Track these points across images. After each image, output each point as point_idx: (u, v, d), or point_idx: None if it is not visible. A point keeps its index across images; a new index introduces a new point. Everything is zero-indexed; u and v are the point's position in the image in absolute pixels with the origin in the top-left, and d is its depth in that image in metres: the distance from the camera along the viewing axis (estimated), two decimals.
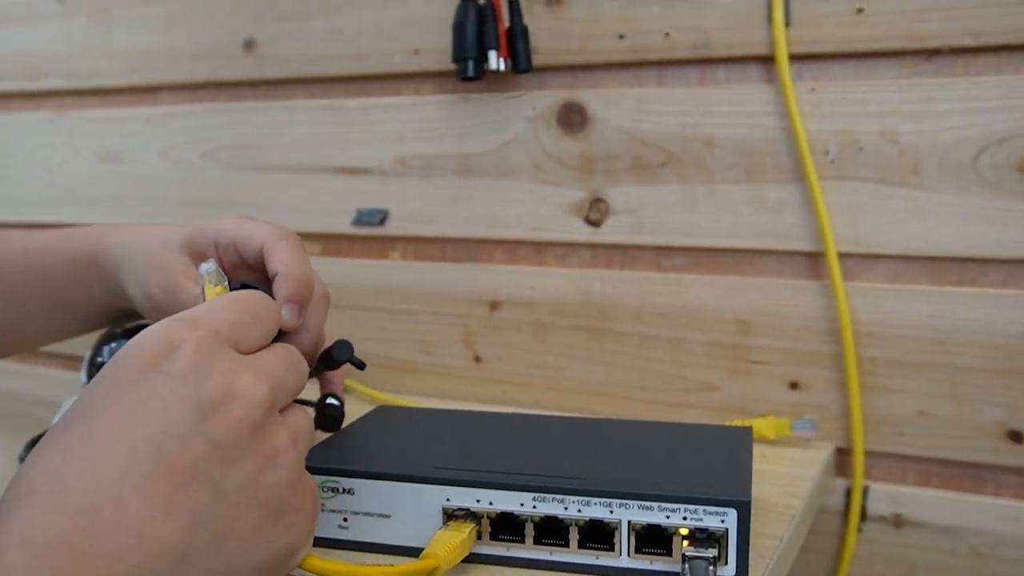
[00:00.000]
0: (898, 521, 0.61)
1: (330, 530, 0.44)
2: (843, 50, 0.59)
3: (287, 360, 0.37)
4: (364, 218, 0.76)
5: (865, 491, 0.61)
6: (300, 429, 0.36)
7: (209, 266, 0.41)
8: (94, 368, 0.59)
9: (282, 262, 0.47)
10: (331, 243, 0.78)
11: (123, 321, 0.61)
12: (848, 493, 0.62)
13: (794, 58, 0.60)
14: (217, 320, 0.35)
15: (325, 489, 0.44)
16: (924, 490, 0.61)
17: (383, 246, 0.76)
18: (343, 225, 0.77)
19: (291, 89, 0.78)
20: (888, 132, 0.58)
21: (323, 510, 0.44)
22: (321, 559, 0.38)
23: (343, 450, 0.48)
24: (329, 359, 0.48)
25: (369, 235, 0.76)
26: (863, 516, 0.62)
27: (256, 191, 0.80)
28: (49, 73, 0.89)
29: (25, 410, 0.90)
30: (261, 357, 0.36)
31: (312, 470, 0.43)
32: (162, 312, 0.50)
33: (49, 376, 0.94)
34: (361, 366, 0.50)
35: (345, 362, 0.48)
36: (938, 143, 0.57)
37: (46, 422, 0.63)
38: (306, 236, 0.79)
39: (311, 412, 0.36)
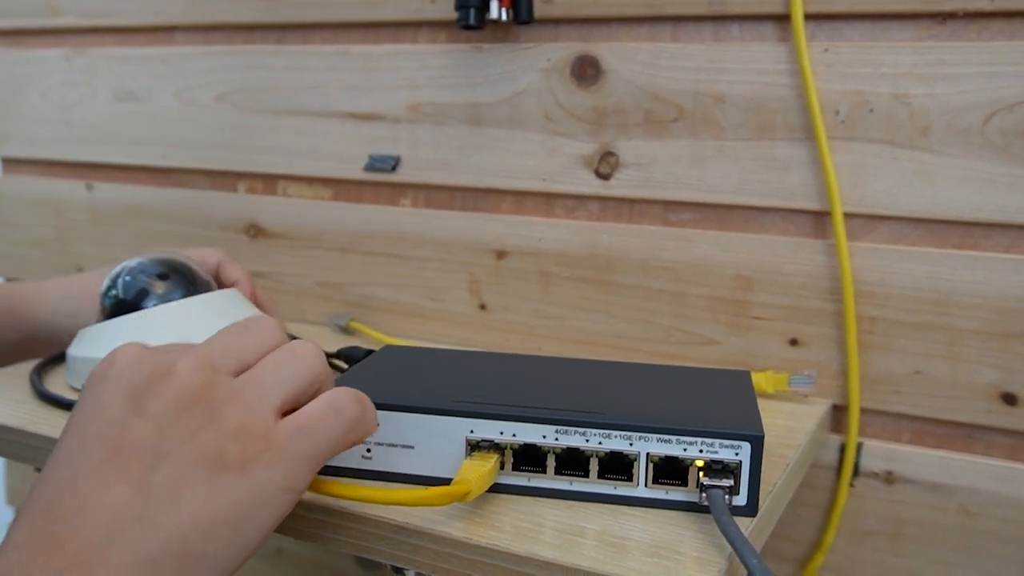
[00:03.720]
0: (890, 478, 0.62)
1: (354, 460, 0.46)
2: (858, 11, 0.59)
3: (229, 333, 0.40)
4: (376, 164, 0.76)
5: (859, 447, 0.63)
6: (263, 382, 0.38)
7: None
8: (107, 300, 0.60)
9: (234, 276, 0.66)
10: (343, 188, 0.79)
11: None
12: (842, 449, 0.63)
13: (809, 17, 0.60)
14: (206, 345, 0.39)
15: None
16: (917, 448, 0.62)
17: (394, 192, 0.77)
18: (355, 171, 0.77)
19: (307, 33, 0.79)
20: (899, 94, 0.59)
21: None
22: (355, 486, 0.40)
23: (364, 383, 0.49)
24: None
25: (380, 181, 0.77)
26: (856, 472, 0.63)
27: (269, 135, 0.81)
28: (67, 10, 0.90)
29: None
30: (193, 346, 0.39)
31: None
32: None
33: None
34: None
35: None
36: (948, 106, 0.58)
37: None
38: (318, 181, 0.80)
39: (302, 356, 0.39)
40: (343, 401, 0.39)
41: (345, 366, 0.62)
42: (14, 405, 0.56)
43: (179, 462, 0.34)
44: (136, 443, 0.34)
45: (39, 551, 0.32)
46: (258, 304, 0.66)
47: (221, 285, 0.66)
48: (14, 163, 0.98)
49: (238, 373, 0.38)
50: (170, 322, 0.57)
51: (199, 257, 0.65)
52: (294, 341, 0.41)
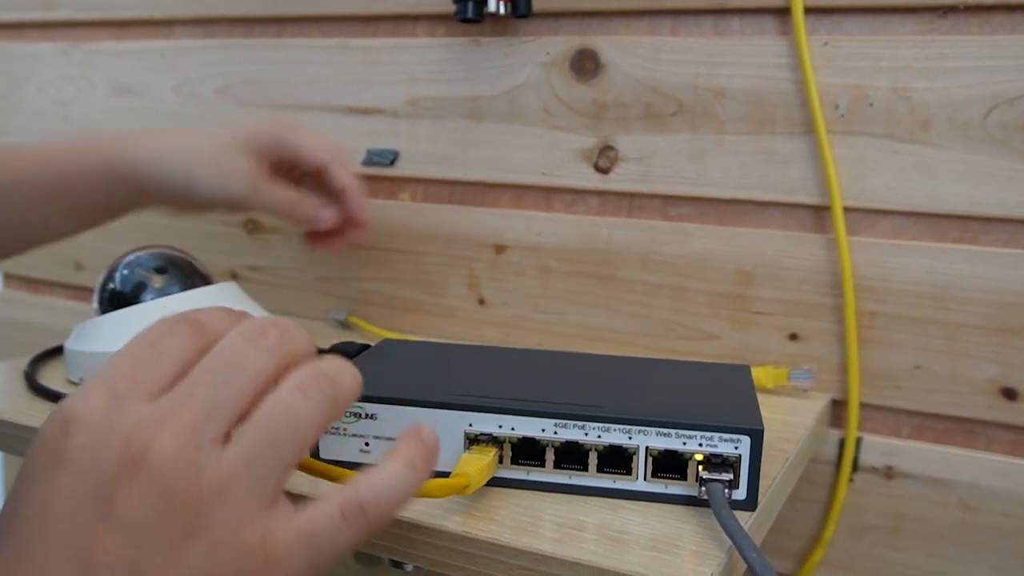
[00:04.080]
0: (889, 473, 0.62)
1: (352, 454, 0.45)
2: (858, 4, 0.59)
3: (211, 378, 0.31)
4: (375, 158, 0.76)
5: (858, 442, 0.63)
6: (258, 460, 0.30)
7: None
8: (105, 294, 0.60)
9: (343, 184, 0.66)
10: None
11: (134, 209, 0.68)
12: (841, 444, 0.63)
13: (809, 11, 0.60)
14: (114, 376, 0.30)
15: (347, 414, 0.45)
16: (917, 443, 0.62)
17: (392, 187, 0.77)
18: (353, 165, 0.77)
19: (306, 27, 0.78)
20: (899, 88, 0.59)
21: (345, 435, 0.45)
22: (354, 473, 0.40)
23: (364, 376, 0.49)
24: None
25: (379, 175, 0.76)
26: (855, 467, 0.63)
27: None
28: (64, 3, 0.89)
29: (35, 340, 0.91)
30: (170, 398, 0.30)
31: None
32: (244, 208, 0.64)
33: (58, 306, 0.95)
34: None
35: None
36: (948, 100, 0.58)
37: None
38: None
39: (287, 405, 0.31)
40: (359, 503, 0.32)
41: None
42: (10, 399, 0.56)
43: None
44: (109, 562, 0.28)
45: None
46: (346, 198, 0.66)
47: (325, 189, 0.66)
48: None
49: (229, 432, 0.30)
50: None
51: (298, 146, 0.64)
52: (301, 371, 0.32)
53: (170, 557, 0.28)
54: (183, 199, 0.64)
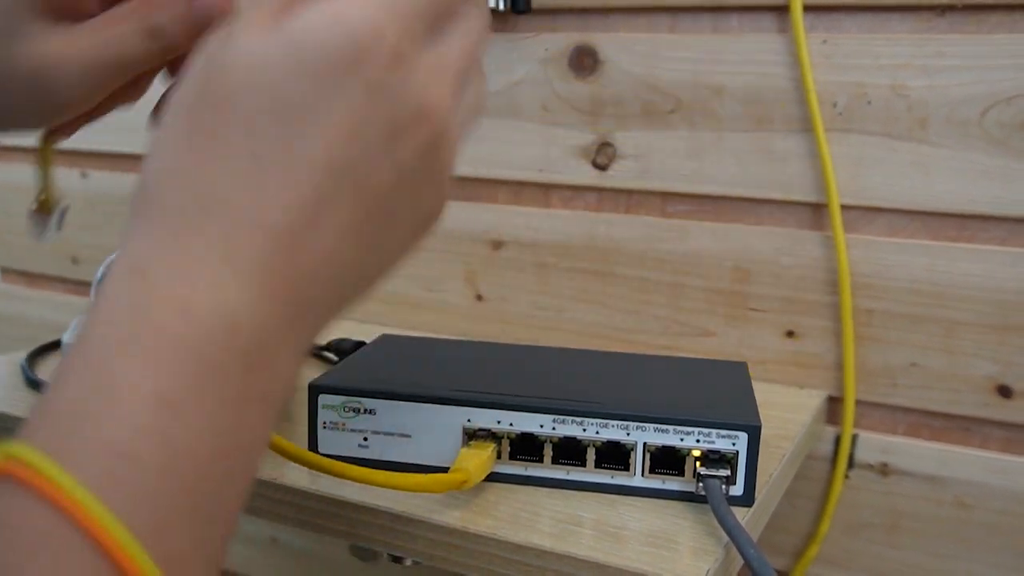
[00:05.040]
0: (885, 470, 0.63)
1: (351, 449, 0.46)
2: (857, 2, 0.59)
3: (471, 36, 0.33)
4: None
5: (854, 439, 0.63)
6: (469, 112, 0.33)
7: None
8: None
9: None
10: None
11: None
12: (838, 441, 0.63)
13: (808, 9, 0.60)
14: (398, 8, 0.29)
15: (346, 409, 0.45)
16: (913, 440, 0.62)
17: None
18: None
19: None
20: (897, 86, 0.59)
21: (344, 429, 0.45)
22: (355, 467, 0.40)
23: (362, 372, 0.49)
24: None
25: None
26: (851, 464, 0.63)
27: None
28: None
29: (31, 335, 0.91)
30: (449, 49, 0.31)
31: (334, 391, 0.45)
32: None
33: (55, 300, 0.95)
34: None
35: None
36: (946, 99, 0.58)
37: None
38: None
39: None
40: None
41: (335, 358, 0.62)
42: (7, 393, 0.56)
43: (401, 228, 0.30)
44: (381, 199, 0.29)
45: (263, 289, 0.26)
46: None
47: None
48: (6, 151, 0.97)
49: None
50: None
51: None
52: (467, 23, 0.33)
53: (413, 206, 0.30)
54: None
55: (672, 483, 0.43)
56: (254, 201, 0.27)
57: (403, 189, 0.29)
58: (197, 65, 0.29)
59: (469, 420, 0.44)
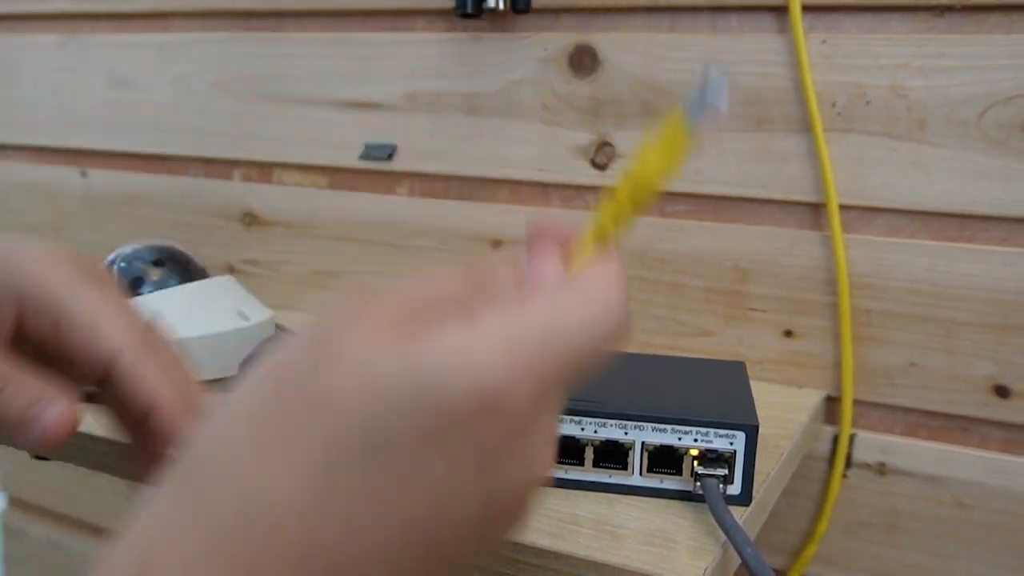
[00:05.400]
0: (883, 469, 0.63)
1: None
2: (856, 2, 0.59)
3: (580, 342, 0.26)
4: (372, 153, 0.76)
5: (852, 439, 0.63)
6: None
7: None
8: None
9: (155, 391, 0.35)
10: (338, 177, 0.79)
11: None
12: (836, 440, 0.63)
13: (807, 9, 0.60)
14: (559, 354, 0.25)
15: None
16: (911, 440, 0.62)
17: (390, 181, 0.77)
18: (351, 159, 0.77)
19: (304, 21, 0.78)
20: (897, 86, 0.59)
21: None
22: None
23: None
24: None
25: (376, 170, 0.76)
26: (849, 463, 0.63)
27: (265, 122, 0.81)
28: None
29: None
30: (555, 402, 0.27)
31: None
32: None
33: None
34: None
35: None
36: (945, 99, 0.58)
37: None
38: (314, 169, 0.80)
39: None
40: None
41: None
42: None
43: (476, 550, 0.26)
44: (447, 557, 0.25)
45: None
46: None
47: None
48: (7, 149, 0.97)
49: None
50: (166, 309, 0.57)
51: (70, 314, 0.35)
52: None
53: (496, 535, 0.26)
54: None
55: (670, 482, 0.44)
56: (303, 536, 0.22)
57: (474, 550, 0.26)
58: (291, 345, 0.25)
59: None
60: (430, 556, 0.24)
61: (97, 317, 0.35)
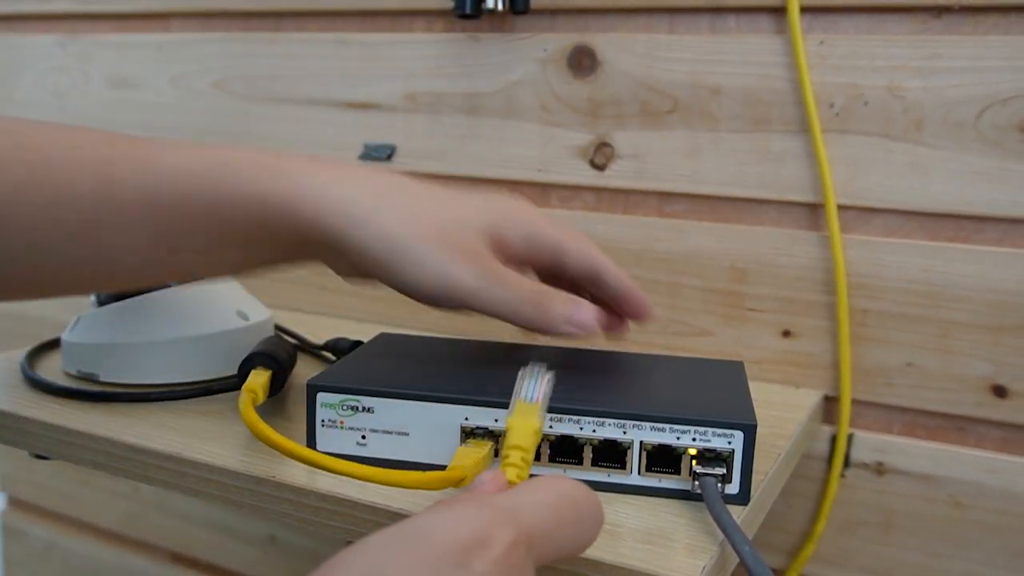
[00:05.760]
0: (880, 469, 0.63)
1: (349, 447, 0.46)
2: (853, 4, 0.59)
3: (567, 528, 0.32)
4: (372, 153, 0.76)
5: (850, 439, 0.63)
6: None
7: (537, 372, 0.40)
8: None
9: (624, 287, 0.50)
10: None
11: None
12: (833, 440, 0.63)
13: (805, 10, 0.61)
14: (534, 521, 0.30)
15: (344, 407, 0.45)
16: (908, 440, 0.62)
17: None
18: (350, 159, 0.77)
19: (303, 21, 0.78)
20: (894, 87, 0.59)
21: (342, 427, 0.46)
22: (354, 464, 0.40)
23: (360, 370, 0.49)
24: None
25: None
26: (847, 463, 0.64)
27: (265, 123, 0.81)
28: None
29: (32, 331, 0.91)
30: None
31: (334, 389, 0.45)
32: (461, 301, 0.44)
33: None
34: None
35: None
36: (943, 100, 0.58)
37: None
38: None
39: None
40: None
41: (333, 357, 0.63)
42: (6, 391, 0.56)
43: None
44: None
45: None
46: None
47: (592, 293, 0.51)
48: None
49: None
50: (170, 307, 0.57)
51: (562, 245, 0.48)
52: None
53: None
54: (374, 274, 0.44)
55: (668, 481, 0.44)
56: None
57: None
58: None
59: (467, 418, 0.44)
60: None
61: (583, 245, 0.49)
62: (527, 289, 0.45)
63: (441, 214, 0.45)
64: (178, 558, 0.96)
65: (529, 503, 0.31)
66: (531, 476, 0.36)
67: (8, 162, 0.43)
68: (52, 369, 0.60)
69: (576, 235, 0.49)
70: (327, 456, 0.41)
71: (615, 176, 0.68)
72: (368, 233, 0.43)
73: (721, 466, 0.43)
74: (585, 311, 0.46)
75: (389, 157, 0.76)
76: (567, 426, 0.44)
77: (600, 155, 0.68)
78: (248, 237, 0.44)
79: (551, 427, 0.44)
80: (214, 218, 0.44)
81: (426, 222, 0.44)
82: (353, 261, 0.44)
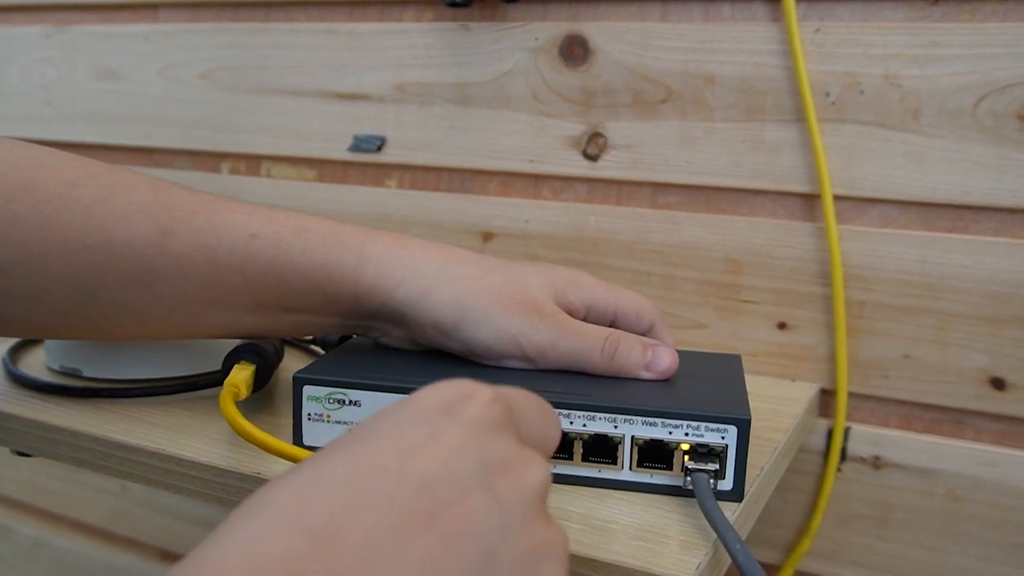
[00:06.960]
0: (877, 462, 0.62)
1: None
2: None
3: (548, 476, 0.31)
4: (361, 144, 0.75)
5: (846, 432, 0.62)
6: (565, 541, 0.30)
7: None
8: None
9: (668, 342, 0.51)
10: (327, 169, 0.78)
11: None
12: (830, 433, 0.63)
13: None
14: (512, 397, 0.32)
15: (331, 400, 0.45)
16: (905, 433, 0.61)
17: (379, 173, 0.76)
18: (340, 151, 0.76)
19: (292, 11, 0.77)
20: (890, 76, 0.58)
21: (328, 421, 0.45)
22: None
23: (348, 363, 0.48)
24: None
25: (365, 162, 0.76)
26: (843, 456, 0.63)
27: (254, 114, 0.80)
28: None
29: None
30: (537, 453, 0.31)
31: (320, 382, 0.44)
32: (536, 355, 0.46)
33: None
34: None
35: None
36: (940, 88, 0.57)
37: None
38: (303, 161, 0.79)
39: None
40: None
41: (321, 351, 0.62)
42: None
43: (503, 571, 0.26)
44: (470, 527, 0.25)
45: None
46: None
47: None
48: None
49: None
50: None
51: (619, 305, 0.51)
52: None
53: (519, 553, 0.27)
54: (442, 340, 0.48)
55: (660, 477, 0.43)
56: (300, 503, 0.25)
57: (503, 525, 0.26)
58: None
59: None
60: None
61: (635, 302, 0.51)
62: (597, 336, 0.47)
63: (507, 276, 0.48)
64: (167, 555, 0.95)
65: (503, 389, 0.32)
66: None
67: (67, 200, 0.47)
68: (35, 365, 0.59)
69: (634, 299, 0.51)
70: (308, 451, 0.40)
71: (608, 167, 0.67)
72: (440, 299, 0.46)
73: (714, 462, 0.42)
74: (662, 358, 0.47)
75: (379, 148, 0.75)
76: None
77: (593, 145, 0.67)
78: (305, 303, 0.47)
79: None
80: (280, 281, 0.46)
81: (493, 286, 0.47)
82: (424, 326, 0.47)
